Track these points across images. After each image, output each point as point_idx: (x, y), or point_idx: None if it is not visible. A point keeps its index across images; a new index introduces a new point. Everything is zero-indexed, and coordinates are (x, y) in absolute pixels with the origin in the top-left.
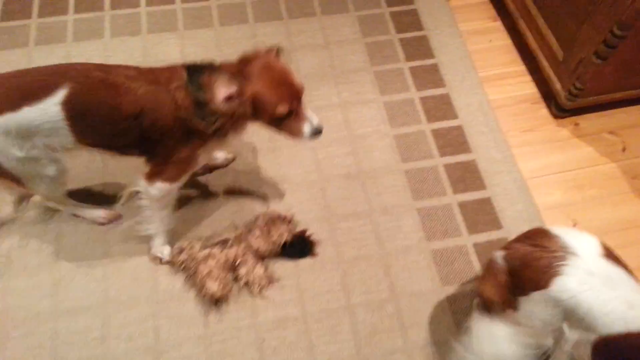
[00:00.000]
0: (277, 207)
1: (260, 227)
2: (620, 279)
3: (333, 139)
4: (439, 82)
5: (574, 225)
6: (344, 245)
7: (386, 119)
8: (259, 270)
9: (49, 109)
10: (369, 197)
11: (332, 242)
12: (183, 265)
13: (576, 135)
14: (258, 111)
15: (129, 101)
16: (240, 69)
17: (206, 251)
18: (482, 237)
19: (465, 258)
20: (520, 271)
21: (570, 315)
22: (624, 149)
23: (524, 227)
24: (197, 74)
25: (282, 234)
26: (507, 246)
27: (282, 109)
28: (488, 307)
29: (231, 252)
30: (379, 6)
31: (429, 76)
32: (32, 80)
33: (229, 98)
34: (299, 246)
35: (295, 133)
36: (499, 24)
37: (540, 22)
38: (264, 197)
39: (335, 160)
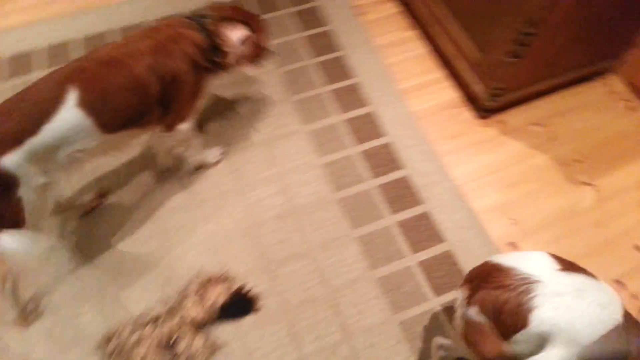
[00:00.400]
0: (209, 266)
1: (194, 293)
2: (585, 286)
3: (260, 180)
4: (361, 101)
5: (515, 223)
6: (287, 292)
7: (313, 149)
8: (199, 341)
9: (68, 115)
10: (306, 234)
11: (274, 292)
12: (113, 356)
13: (503, 133)
14: (255, 47)
15: (142, 67)
16: (226, 15)
17: (137, 335)
18: (427, 254)
19: (412, 279)
20: (497, 319)
21: (556, 337)
22: (553, 138)
23: (466, 236)
24: (202, 20)
25: (219, 296)
26: (475, 301)
27: (267, 40)
28: None
29: (165, 329)
30: (290, 32)
31: (351, 97)
32: (36, 99)
33: (244, 40)
34: (239, 304)
35: (263, 52)
36: (413, 33)
37: (453, 27)
38: (193, 259)
39: (265, 201)
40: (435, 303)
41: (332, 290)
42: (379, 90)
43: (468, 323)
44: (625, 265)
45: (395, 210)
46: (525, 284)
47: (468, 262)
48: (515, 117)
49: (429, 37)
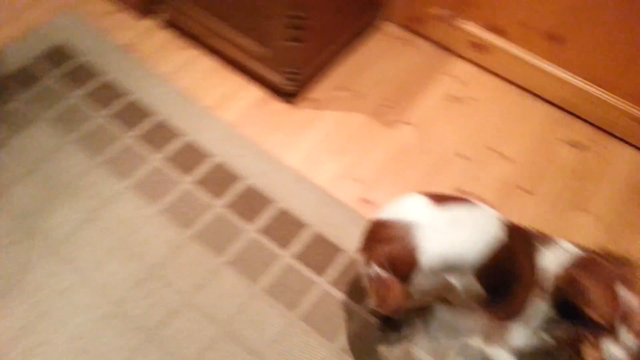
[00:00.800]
0: None
1: None
2: (460, 215)
3: (101, 258)
4: (173, 134)
5: (359, 181)
6: (182, 350)
7: (145, 200)
8: None
9: None
10: (176, 285)
11: (168, 357)
12: None
13: (316, 108)
14: None
15: None
16: None
17: None
18: (298, 246)
19: (294, 273)
20: (394, 269)
21: (450, 269)
22: (359, 96)
23: (325, 212)
24: None
25: None
26: (372, 259)
27: None
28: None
29: None
30: (67, 96)
31: (161, 134)
32: None
33: None
34: None
35: None
36: (196, 51)
37: (229, 32)
38: None
39: (118, 276)
40: (323, 282)
41: (225, 324)
42: (187, 116)
43: (372, 281)
44: (456, 174)
45: (251, 220)
46: (407, 230)
47: (337, 234)
48: (320, 90)
49: (212, 49)
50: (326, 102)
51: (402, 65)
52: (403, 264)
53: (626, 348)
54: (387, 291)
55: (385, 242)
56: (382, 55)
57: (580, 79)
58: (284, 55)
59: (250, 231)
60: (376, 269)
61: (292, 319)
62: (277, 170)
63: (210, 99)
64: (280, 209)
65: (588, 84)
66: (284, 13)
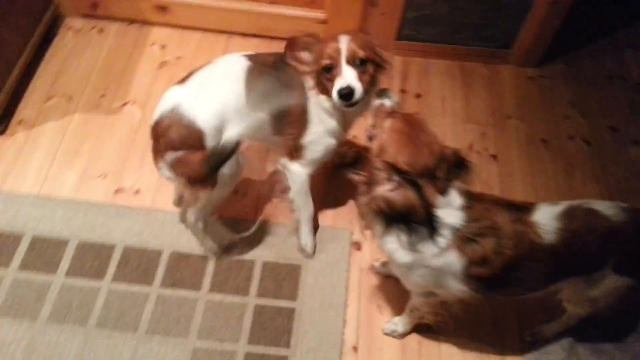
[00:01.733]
0: None
1: None
2: (202, 77)
3: None
4: None
5: (104, 176)
6: None
7: None
8: None
9: None
10: None
11: None
12: None
13: (31, 126)
14: None
15: None
16: None
17: None
18: (66, 263)
19: (75, 290)
20: (188, 147)
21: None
22: (72, 97)
23: (85, 221)
24: None
25: None
26: (160, 154)
27: None
28: None
29: None
30: None
31: None
32: None
33: None
34: None
35: None
36: None
37: None
38: None
39: None
40: (106, 283)
41: None
42: None
43: (173, 168)
44: None
45: (5, 264)
46: (175, 113)
47: (102, 233)
48: (29, 108)
49: None
50: (40, 117)
51: (102, 52)
52: (192, 139)
53: (347, 80)
54: (188, 164)
55: (164, 133)
56: (79, 51)
57: (250, 3)
58: None
59: (9, 275)
60: (170, 157)
61: (87, 332)
62: (13, 203)
63: None
64: (32, 238)
65: (260, 5)
66: None
